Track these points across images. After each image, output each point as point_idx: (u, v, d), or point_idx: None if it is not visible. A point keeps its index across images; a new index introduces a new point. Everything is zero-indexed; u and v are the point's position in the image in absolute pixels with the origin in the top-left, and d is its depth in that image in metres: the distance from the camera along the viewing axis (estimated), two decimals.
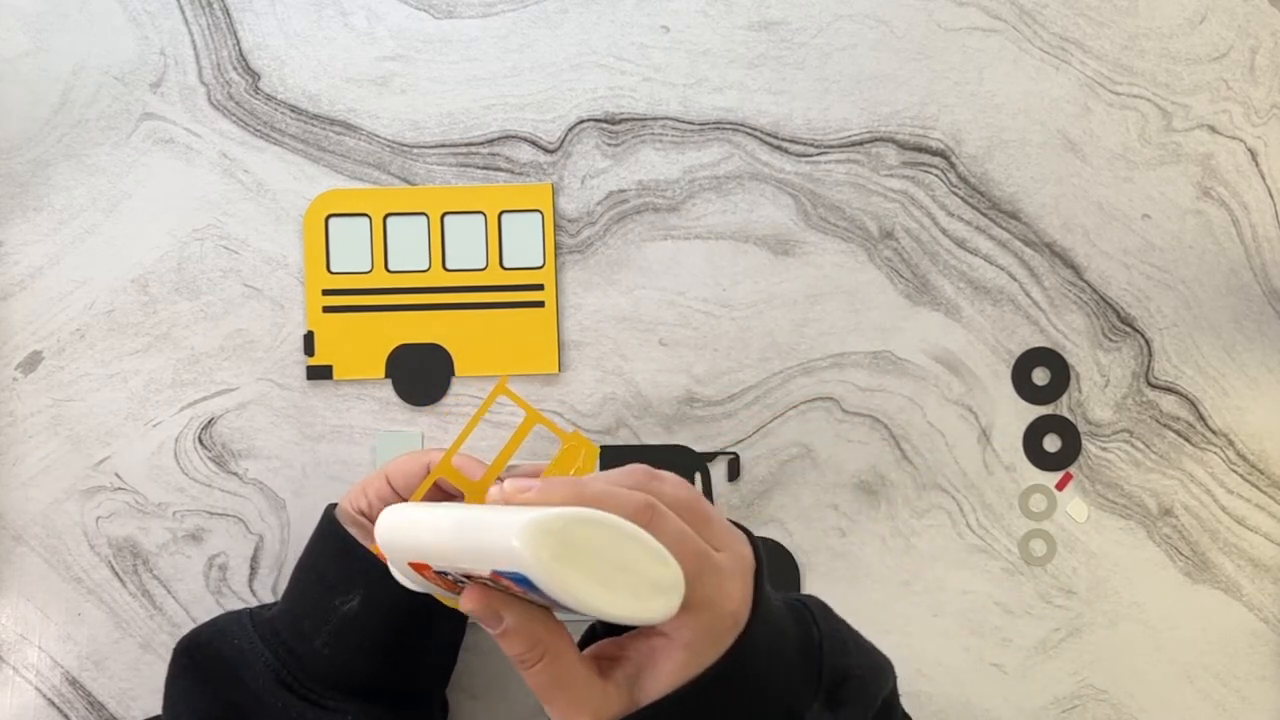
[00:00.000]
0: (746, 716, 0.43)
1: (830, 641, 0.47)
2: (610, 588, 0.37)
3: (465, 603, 0.41)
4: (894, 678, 0.49)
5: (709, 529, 0.42)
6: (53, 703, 0.64)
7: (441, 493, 0.57)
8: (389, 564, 0.47)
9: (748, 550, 0.43)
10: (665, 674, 0.41)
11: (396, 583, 0.51)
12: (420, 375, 0.65)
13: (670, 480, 0.42)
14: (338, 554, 0.55)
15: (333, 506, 0.58)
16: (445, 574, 0.41)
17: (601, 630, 0.47)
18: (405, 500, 0.55)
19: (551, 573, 0.36)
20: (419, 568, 0.43)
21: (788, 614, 0.46)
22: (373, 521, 0.56)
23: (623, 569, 0.38)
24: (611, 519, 0.38)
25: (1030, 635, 0.65)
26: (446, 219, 0.65)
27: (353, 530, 0.55)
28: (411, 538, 0.42)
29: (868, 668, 0.48)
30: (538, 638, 0.41)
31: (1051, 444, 0.66)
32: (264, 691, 0.53)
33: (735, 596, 0.42)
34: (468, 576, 0.40)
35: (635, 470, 0.42)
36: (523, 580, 0.37)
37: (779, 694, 0.44)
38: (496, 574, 0.38)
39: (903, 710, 0.50)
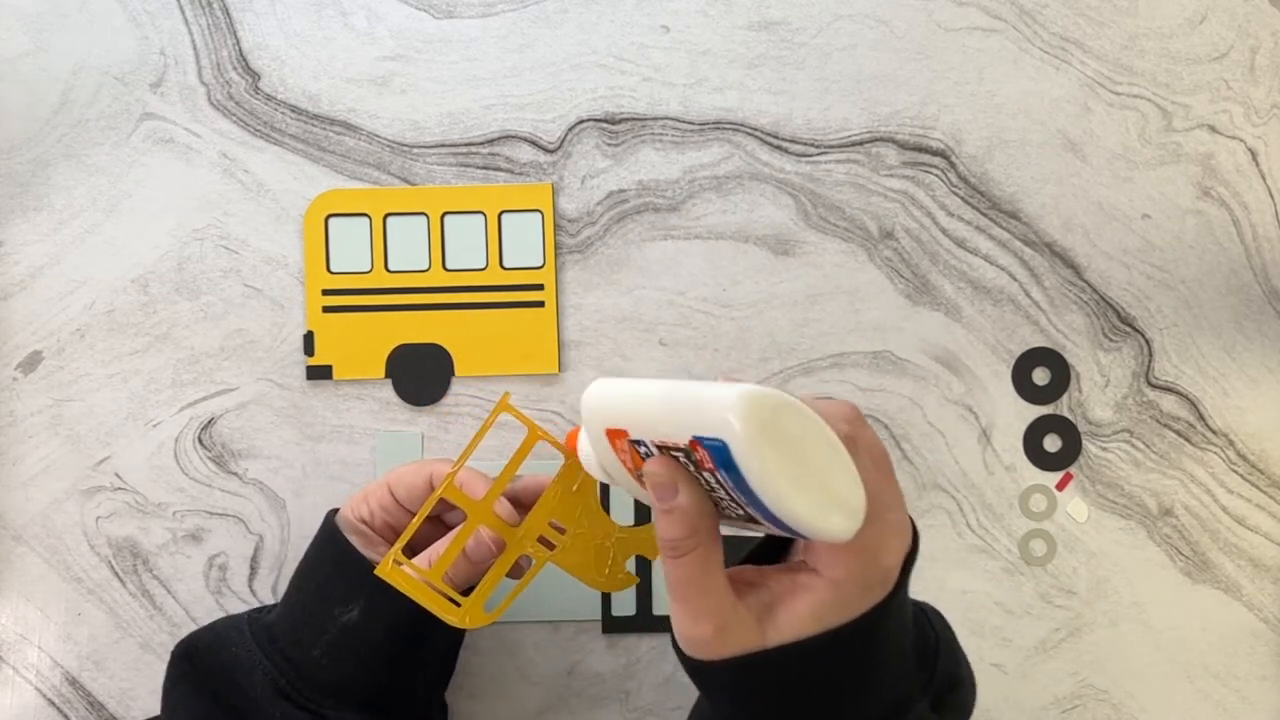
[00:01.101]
0: (868, 686, 0.42)
1: (945, 647, 0.47)
2: (799, 486, 0.37)
3: (651, 466, 0.40)
4: (976, 696, 0.49)
5: (890, 487, 0.42)
6: (53, 703, 0.64)
7: (447, 508, 0.57)
8: (581, 441, 0.47)
9: (910, 527, 0.43)
10: (804, 609, 0.41)
11: (396, 593, 0.51)
12: (420, 375, 0.65)
13: (870, 429, 0.42)
14: (338, 563, 0.54)
15: (333, 512, 0.57)
16: (639, 445, 0.41)
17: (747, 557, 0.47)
18: (407, 511, 0.55)
19: (755, 446, 0.36)
20: (614, 435, 0.42)
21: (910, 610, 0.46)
22: (374, 530, 0.56)
23: (816, 473, 0.38)
24: (820, 421, 0.38)
25: (1030, 635, 0.65)
26: (446, 219, 0.65)
27: (353, 538, 0.54)
28: (617, 403, 0.42)
29: (971, 681, 0.48)
30: (699, 527, 0.40)
31: (1051, 444, 0.66)
32: (263, 700, 0.52)
33: (894, 554, 0.41)
34: (660, 448, 0.40)
35: (846, 405, 0.42)
36: (720, 452, 0.37)
37: (897, 676, 0.43)
38: (695, 441, 0.38)
39: None
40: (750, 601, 0.42)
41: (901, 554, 0.42)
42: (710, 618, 0.41)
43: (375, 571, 0.50)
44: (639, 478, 0.43)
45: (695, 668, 0.43)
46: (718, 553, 0.41)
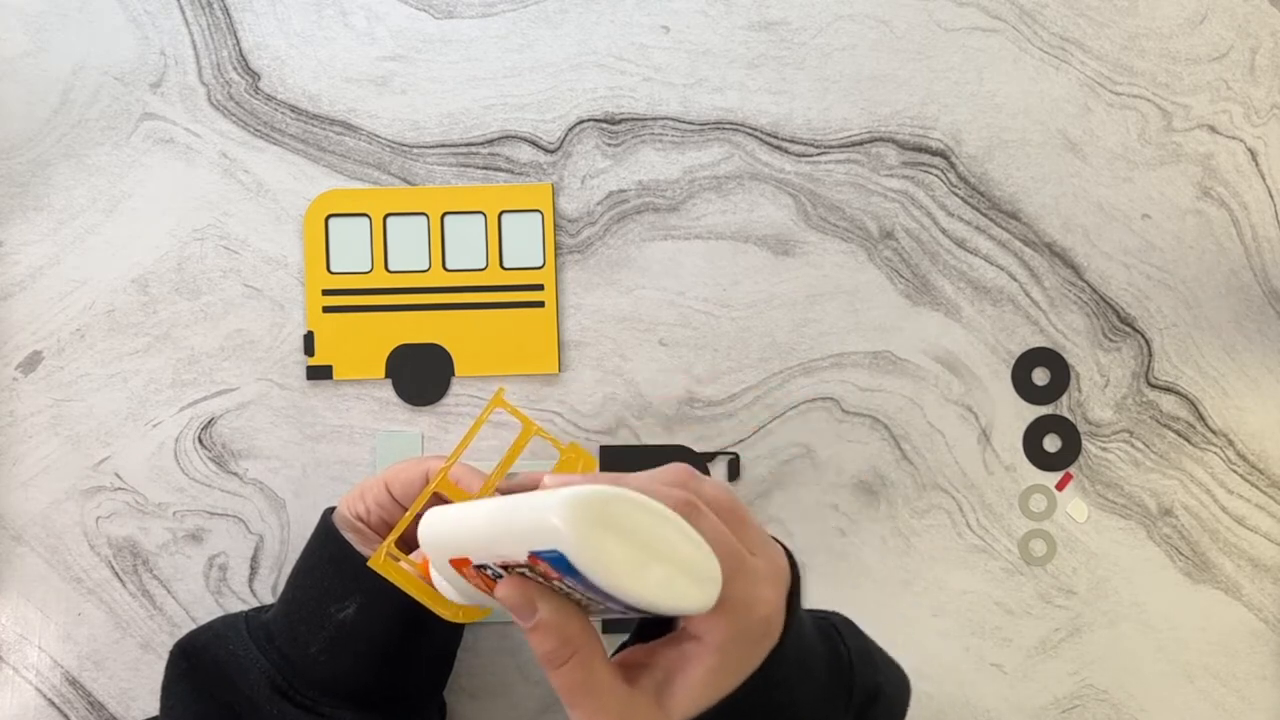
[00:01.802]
0: None
1: (860, 659, 0.46)
2: (647, 571, 0.36)
3: (501, 590, 0.40)
4: (910, 693, 0.49)
5: (746, 533, 0.41)
6: (53, 703, 0.64)
7: (441, 502, 0.57)
8: (434, 574, 0.47)
9: (784, 562, 0.43)
10: (696, 679, 0.40)
11: (392, 589, 0.51)
12: (420, 375, 0.65)
13: (710, 481, 0.42)
14: (334, 561, 0.54)
15: (330, 511, 0.57)
16: (485, 569, 0.41)
17: (631, 640, 0.46)
18: (404, 508, 0.55)
19: (588, 546, 0.35)
20: (459, 565, 0.42)
21: (815, 630, 0.46)
22: (370, 527, 0.56)
23: (660, 554, 0.37)
24: (651, 502, 0.37)
25: (1030, 635, 0.65)
26: (446, 219, 0.65)
27: (350, 536, 0.55)
28: (451, 532, 0.41)
29: (895, 684, 0.48)
30: (569, 635, 0.39)
31: (1051, 444, 0.66)
32: (260, 698, 0.53)
33: (769, 602, 0.41)
34: (505, 568, 0.39)
35: (677, 468, 0.41)
36: (559, 561, 0.36)
37: (811, 711, 0.43)
38: (534, 556, 0.37)
39: None
40: (645, 684, 0.41)
41: (778, 596, 0.41)
42: (607, 716, 0.40)
43: (368, 563, 0.50)
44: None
45: None
46: (598, 650, 0.40)
